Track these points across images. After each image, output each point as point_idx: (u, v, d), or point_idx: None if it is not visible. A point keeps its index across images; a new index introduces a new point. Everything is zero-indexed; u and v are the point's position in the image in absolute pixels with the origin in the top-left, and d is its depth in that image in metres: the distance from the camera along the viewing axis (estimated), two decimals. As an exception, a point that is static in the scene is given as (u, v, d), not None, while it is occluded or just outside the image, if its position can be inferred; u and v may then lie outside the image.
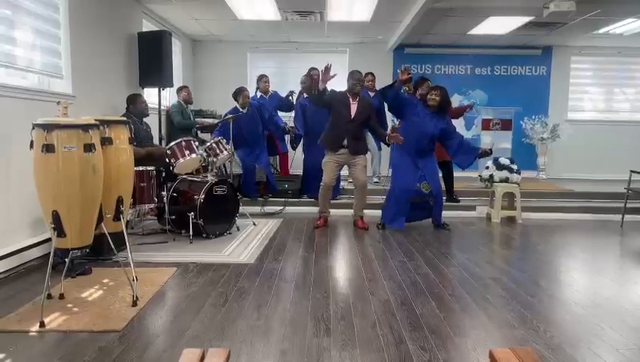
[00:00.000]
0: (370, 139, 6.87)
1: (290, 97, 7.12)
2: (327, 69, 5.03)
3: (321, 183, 5.53)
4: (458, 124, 8.00)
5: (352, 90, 5.33)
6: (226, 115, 6.38)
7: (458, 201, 6.59)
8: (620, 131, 8.99)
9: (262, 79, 7.07)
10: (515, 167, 6.23)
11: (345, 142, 5.34)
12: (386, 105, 6.38)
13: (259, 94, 7.05)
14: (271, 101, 7.02)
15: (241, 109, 6.41)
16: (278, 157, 7.51)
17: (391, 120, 7.16)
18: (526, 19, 6.88)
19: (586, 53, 9.07)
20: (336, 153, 5.39)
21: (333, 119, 5.42)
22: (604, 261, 4.62)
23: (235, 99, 6.47)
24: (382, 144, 6.94)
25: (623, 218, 6.01)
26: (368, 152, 5.89)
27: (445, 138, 5.40)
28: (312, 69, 6.83)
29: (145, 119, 5.40)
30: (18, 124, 3.55)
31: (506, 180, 6.17)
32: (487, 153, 5.37)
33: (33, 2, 4.19)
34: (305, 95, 6.66)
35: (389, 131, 5.78)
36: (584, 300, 3.44)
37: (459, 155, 5.42)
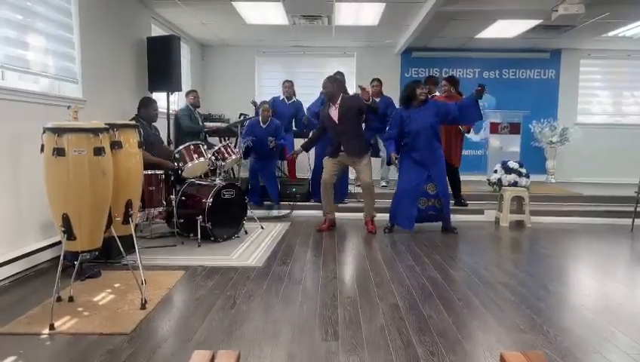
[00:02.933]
0: (380, 145, 6.86)
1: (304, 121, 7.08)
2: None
3: (321, 181, 5.56)
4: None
5: (327, 97, 5.46)
6: (247, 127, 6.53)
7: (466, 205, 6.56)
8: (629, 135, 8.92)
9: (284, 84, 7.17)
10: (523, 170, 6.20)
11: (341, 146, 5.40)
12: (394, 106, 6.45)
13: (281, 97, 7.18)
14: (290, 107, 7.07)
15: (262, 124, 6.43)
16: (285, 162, 7.51)
17: None
18: (534, 22, 6.86)
19: (595, 57, 9.02)
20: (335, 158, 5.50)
21: (329, 131, 5.55)
22: (614, 265, 4.58)
23: (257, 113, 6.62)
24: None
25: (633, 222, 5.95)
26: (379, 158, 5.88)
27: (447, 118, 5.38)
28: (338, 73, 6.70)
29: (153, 123, 5.42)
30: (29, 128, 3.58)
31: (514, 184, 6.14)
32: (480, 91, 5.18)
33: (47, 8, 4.24)
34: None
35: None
36: (594, 304, 3.41)
37: (464, 117, 5.39)
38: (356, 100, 5.46)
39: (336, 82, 5.46)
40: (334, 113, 5.37)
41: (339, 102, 5.38)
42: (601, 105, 9.31)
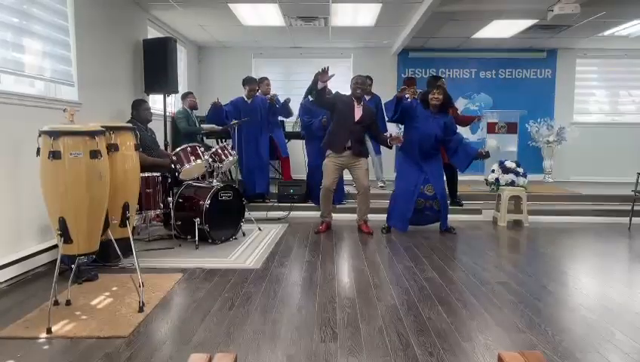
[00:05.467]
0: (369, 144, 6.87)
1: (289, 104, 7.04)
2: (325, 70, 5.04)
3: (321, 186, 5.53)
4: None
5: (354, 94, 5.37)
6: (229, 103, 6.62)
7: (461, 205, 6.56)
8: (626, 133, 8.94)
9: (263, 82, 7.02)
10: (520, 170, 6.20)
11: (349, 143, 5.35)
12: (384, 111, 6.47)
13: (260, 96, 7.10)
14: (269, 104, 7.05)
15: (246, 99, 6.58)
16: (279, 161, 7.51)
17: (397, 125, 7.15)
18: (530, 22, 6.87)
19: (591, 56, 9.04)
20: (339, 155, 5.40)
21: (337, 121, 5.42)
22: (612, 264, 4.59)
23: (243, 86, 6.66)
24: (381, 148, 6.92)
25: (630, 221, 5.97)
26: (369, 157, 5.87)
27: (446, 137, 5.36)
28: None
29: (150, 125, 5.42)
30: (26, 131, 3.58)
31: (512, 183, 6.14)
32: (483, 155, 5.30)
33: (42, 10, 4.23)
34: (310, 98, 6.63)
35: (388, 134, 5.76)
36: (593, 304, 3.41)
37: (456, 157, 5.42)
38: (373, 113, 5.57)
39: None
40: (357, 112, 5.34)
41: (363, 103, 5.40)
42: (597, 104, 9.33)
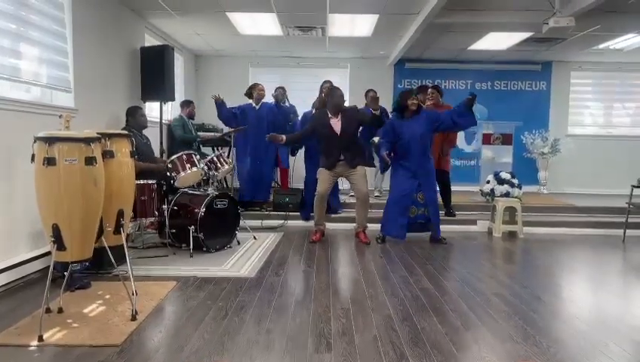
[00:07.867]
0: (375, 159, 6.86)
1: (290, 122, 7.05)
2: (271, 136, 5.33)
3: (316, 193, 5.51)
4: (459, 136, 8.03)
5: (333, 110, 5.35)
6: (238, 107, 6.67)
7: (454, 216, 6.55)
8: (620, 146, 9.00)
9: (256, 87, 6.92)
10: (515, 181, 6.24)
11: (341, 156, 5.35)
12: (387, 116, 6.47)
13: (272, 102, 7.10)
14: (279, 111, 7.02)
15: (254, 104, 6.60)
16: (278, 170, 7.51)
17: None
18: (526, 35, 6.94)
19: (585, 69, 9.12)
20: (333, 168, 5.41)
21: (321, 141, 5.50)
22: (606, 276, 4.60)
23: (250, 96, 6.70)
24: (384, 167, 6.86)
25: (624, 233, 5.99)
26: (374, 167, 5.82)
27: (439, 123, 5.39)
28: (326, 81, 6.74)
29: (146, 132, 5.41)
30: (21, 138, 3.56)
31: (507, 194, 6.17)
32: (471, 99, 5.27)
33: (40, 17, 4.24)
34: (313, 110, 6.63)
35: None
36: (587, 315, 3.41)
37: (459, 121, 5.38)
38: (357, 112, 5.51)
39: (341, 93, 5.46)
40: (336, 124, 5.31)
41: (342, 113, 5.35)
42: (592, 117, 9.40)
